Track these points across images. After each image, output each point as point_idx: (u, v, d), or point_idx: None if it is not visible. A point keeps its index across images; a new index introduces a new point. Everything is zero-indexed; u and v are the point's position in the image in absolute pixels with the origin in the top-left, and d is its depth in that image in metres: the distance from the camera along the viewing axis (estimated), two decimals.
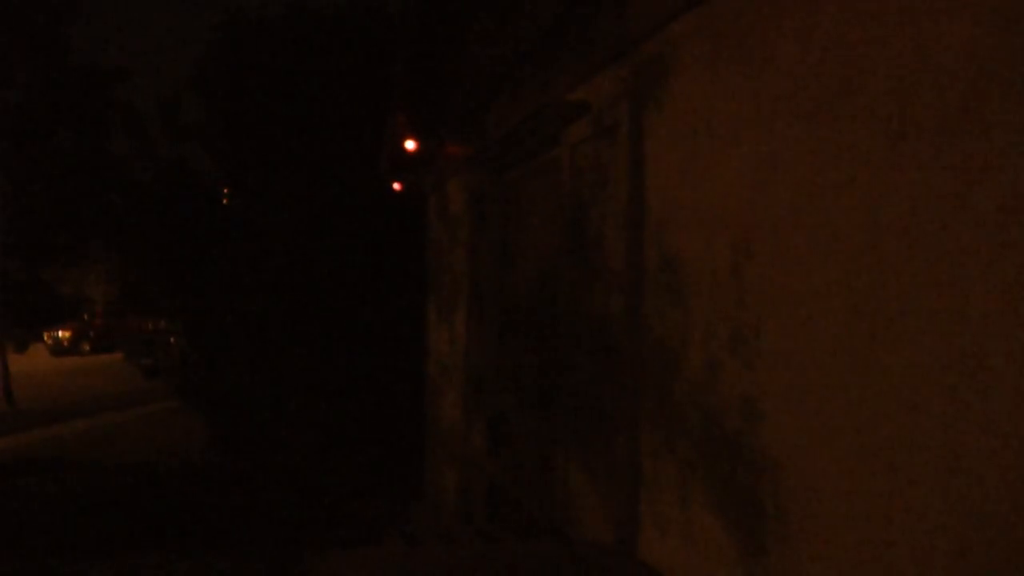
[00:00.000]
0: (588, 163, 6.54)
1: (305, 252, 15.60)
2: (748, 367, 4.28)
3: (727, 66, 4.58)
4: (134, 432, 21.74)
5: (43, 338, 46.30)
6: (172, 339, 27.04)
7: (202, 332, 17.67)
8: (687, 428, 4.87)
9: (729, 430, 4.42)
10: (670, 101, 5.24)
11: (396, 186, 12.60)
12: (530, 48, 7.83)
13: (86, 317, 48.97)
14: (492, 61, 9.07)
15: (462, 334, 10.42)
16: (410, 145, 10.81)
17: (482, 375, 9.67)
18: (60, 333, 46.84)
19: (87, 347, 47.12)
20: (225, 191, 18.78)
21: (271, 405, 15.75)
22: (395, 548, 7.97)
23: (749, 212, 4.30)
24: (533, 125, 7.22)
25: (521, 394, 8.34)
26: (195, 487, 15.12)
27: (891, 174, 3.31)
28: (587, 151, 6.58)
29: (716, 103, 4.70)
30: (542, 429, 7.63)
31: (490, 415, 9.12)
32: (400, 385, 14.62)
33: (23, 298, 26.02)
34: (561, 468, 6.92)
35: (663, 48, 5.29)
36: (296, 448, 15.33)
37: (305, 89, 16.00)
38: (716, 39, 4.69)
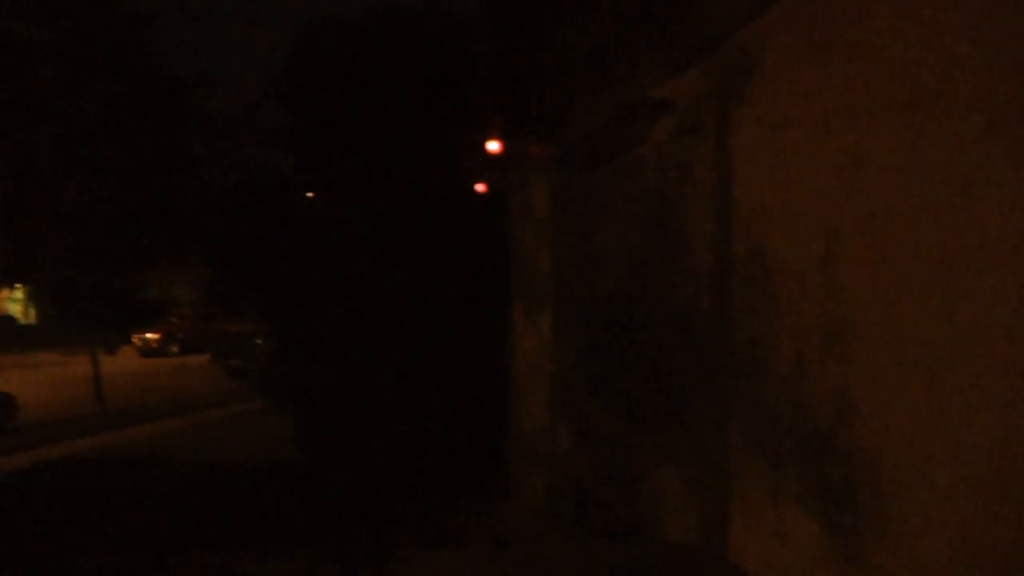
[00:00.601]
0: (673, 160, 6.50)
1: (388, 253, 15.69)
2: (841, 361, 4.21)
3: (818, 57, 4.52)
4: (220, 432, 22.01)
5: (132, 340, 47.28)
6: (258, 340, 27.38)
7: (288, 333, 17.85)
8: (777, 424, 4.81)
9: (822, 425, 4.36)
10: (758, 95, 5.19)
11: (480, 187, 12.63)
12: (613, 46, 7.80)
13: (174, 320, 49.83)
14: (575, 60, 9.05)
15: (547, 334, 10.41)
16: (493, 146, 10.81)
17: (568, 375, 9.65)
18: (149, 335, 47.71)
19: (175, 349, 47.94)
20: (308, 194, 18.98)
21: (357, 405, 15.86)
22: (483, 549, 7.99)
23: (841, 205, 4.24)
24: (617, 124, 7.19)
25: (608, 394, 8.31)
26: (280, 486, 15.27)
27: (988, 165, 3.24)
28: (672, 148, 6.54)
29: (806, 95, 4.63)
30: (629, 429, 7.60)
31: (576, 415, 9.10)
32: (483, 385, 14.64)
33: (113, 302, 26.53)
34: (649, 468, 6.88)
35: (751, 41, 5.24)
36: (382, 448, 15.41)
37: (386, 91, 16.11)
38: (806, 30, 4.63)
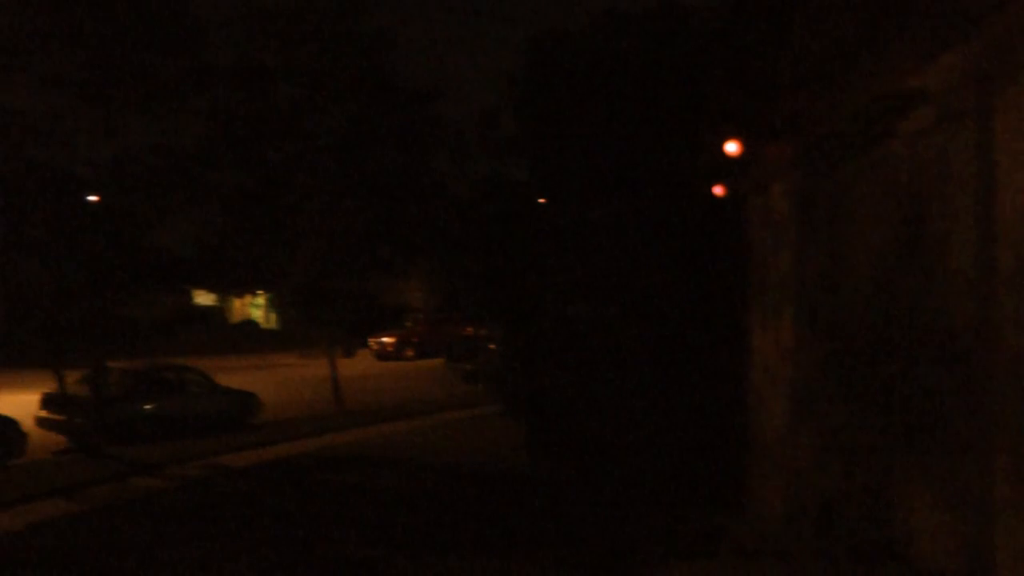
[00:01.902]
0: (927, 154, 6.03)
1: (620, 259, 15.48)
2: None
3: None
4: (451, 434, 22.25)
5: (369, 344, 48.56)
6: (491, 345, 27.61)
7: (521, 338, 17.88)
8: None
9: None
10: None
11: (717, 190, 12.27)
12: (859, 36, 7.34)
13: (409, 324, 50.95)
14: (816, 55, 8.61)
15: (787, 340, 9.98)
16: (731, 147, 10.47)
17: (810, 383, 9.19)
18: (385, 339, 48.97)
19: (410, 353, 49.02)
20: (541, 201, 18.97)
21: (590, 410, 15.72)
22: (731, 562, 7.67)
23: None
24: (863, 118, 6.75)
25: (855, 405, 7.83)
26: (512, 490, 15.27)
27: None
28: (926, 141, 6.07)
29: None
30: (880, 444, 7.11)
31: (819, 425, 8.64)
32: (714, 390, 14.28)
33: (351, 307, 27.23)
34: (902, 487, 6.42)
35: (1018, 19, 4.76)
36: (614, 453, 15.23)
37: (618, 96, 15.91)
38: None
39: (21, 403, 21.54)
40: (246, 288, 58.67)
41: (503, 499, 14.75)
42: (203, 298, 70.22)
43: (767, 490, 11.02)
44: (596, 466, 15.40)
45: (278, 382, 34.10)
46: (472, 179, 21.73)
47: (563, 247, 16.74)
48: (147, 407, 21.35)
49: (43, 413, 20.77)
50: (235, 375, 29.69)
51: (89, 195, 19.90)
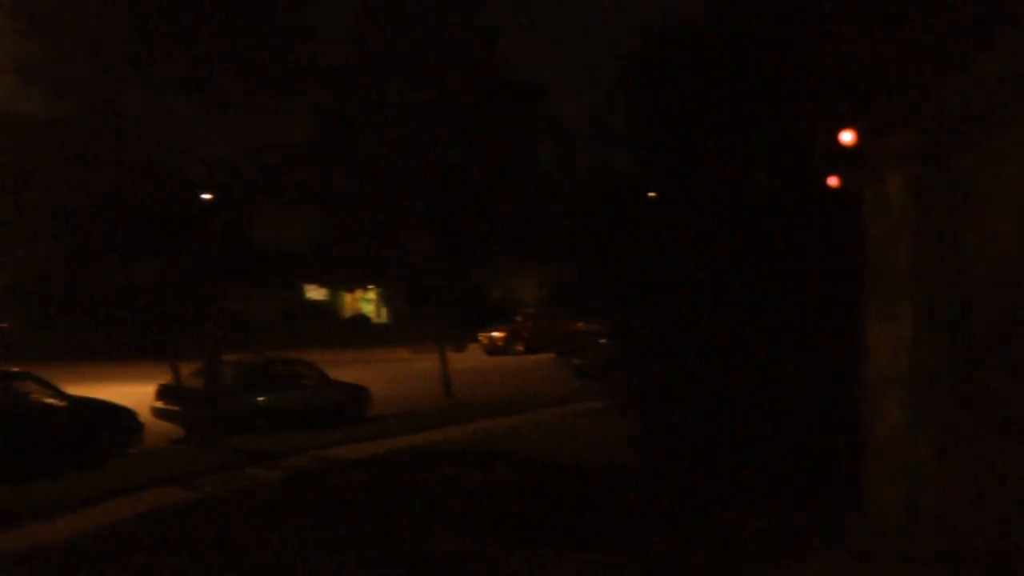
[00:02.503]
0: None
1: (731, 251, 15.25)
2: None
3: None
4: (560, 429, 22.18)
5: (479, 338, 48.81)
6: (601, 340, 27.45)
7: (631, 333, 17.72)
8: None
9: None
10: None
11: (832, 181, 11.97)
12: (980, 21, 7.07)
13: (519, 319, 51.08)
14: (936, 38, 8.32)
15: (904, 337, 9.67)
16: (846, 137, 10.20)
17: (929, 382, 8.90)
18: (495, 334, 49.15)
19: (520, 347, 49.10)
20: (650, 195, 18.76)
21: (700, 406, 15.52)
22: (848, 565, 7.47)
23: None
24: (988, 102, 6.48)
25: (979, 406, 7.55)
26: (619, 486, 15.14)
27: None
28: None
29: None
30: (1007, 447, 6.84)
31: (938, 426, 8.36)
32: (829, 387, 13.98)
33: (460, 302, 27.38)
34: None
35: None
36: (724, 451, 15.01)
37: (729, 87, 15.66)
38: None
39: (138, 394, 22.13)
40: (357, 283, 59.36)
41: (610, 495, 14.63)
42: (315, 293, 71.40)
43: (883, 491, 10.71)
44: (706, 463, 15.19)
45: (389, 376, 34.41)
46: (580, 173, 21.63)
47: (673, 241, 16.53)
48: (260, 399, 21.75)
49: (159, 404, 21.33)
50: (346, 369, 30.06)
51: (201, 193, 20.27)
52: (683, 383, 16.00)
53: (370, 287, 66.73)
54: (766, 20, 16.06)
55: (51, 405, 17.70)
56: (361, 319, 75.55)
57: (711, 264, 15.77)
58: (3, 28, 19.80)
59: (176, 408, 20.46)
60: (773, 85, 15.20)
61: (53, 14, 18.72)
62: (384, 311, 75.31)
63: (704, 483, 14.52)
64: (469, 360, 35.67)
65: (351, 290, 75.09)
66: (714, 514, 12.93)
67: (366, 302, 78.80)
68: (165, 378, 20.97)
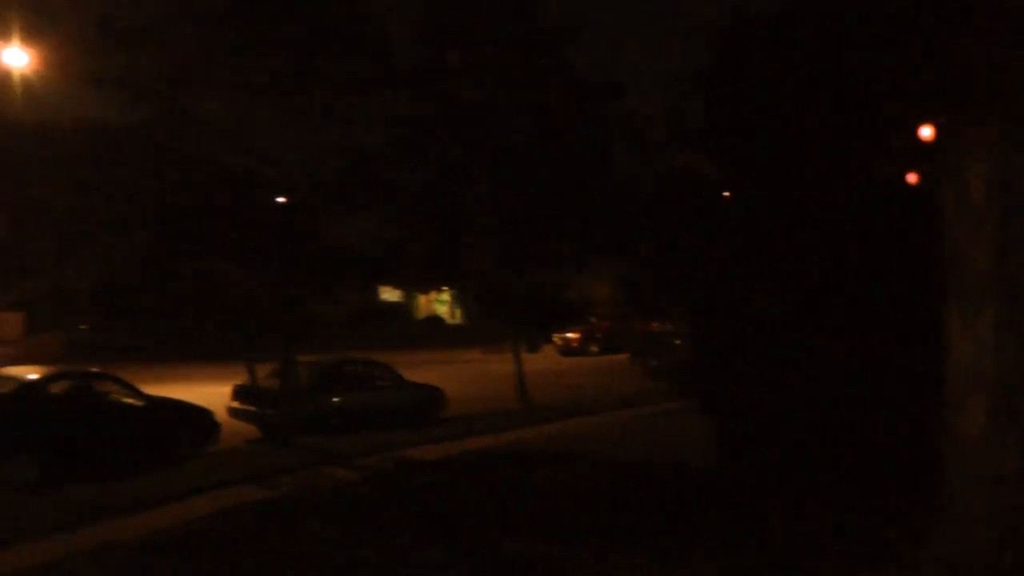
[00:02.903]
0: None
1: (810, 251, 15.02)
2: None
3: None
4: (636, 431, 22.03)
5: (553, 339, 48.64)
6: (677, 341, 27.24)
7: (709, 334, 17.52)
8: None
9: None
10: None
11: (911, 177, 11.76)
12: None
13: (594, 320, 50.86)
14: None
15: (988, 337, 9.42)
16: (926, 132, 9.99)
17: (1016, 385, 8.65)
18: (569, 334, 49.10)
19: (594, 348, 49.03)
20: (726, 195, 18.54)
21: (781, 408, 15.30)
22: (933, 573, 7.27)
23: None
24: None
25: None
26: (697, 489, 14.98)
27: None
28: None
29: None
30: None
31: None
32: (911, 390, 13.73)
33: (536, 302, 27.28)
34: None
35: None
36: (806, 454, 14.79)
37: (809, 85, 15.41)
38: None
39: (214, 394, 22.38)
40: (430, 285, 59.68)
41: (690, 498, 14.50)
42: (389, 294, 71.96)
43: (968, 497, 10.45)
44: (788, 466, 14.98)
45: (463, 377, 34.53)
46: (656, 173, 21.46)
47: (751, 241, 16.34)
48: (335, 400, 21.91)
49: (235, 404, 21.60)
50: (420, 370, 30.20)
51: (277, 196, 20.44)
52: (764, 384, 15.80)
53: (444, 288, 67.08)
54: (847, 14, 15.81)
55: (129, 405, 18.02)
56: (435, 320, 76.05)
57: (792, 265, 15.57)
58: (86, 41, 20.21)
59: (252, 408, 20.67)
60: (851, 81, 14.95)
61: (135, 26, 18.98)
62: (458, 312, 75.69)
63: (785, 487, 14.32)
64: (543, 361, 35.62)
65: (425, 291, 75.58)
66: (795, 520, 12.74)
67: (440, 303, 79.28)
68: (241, 378, 21.20)
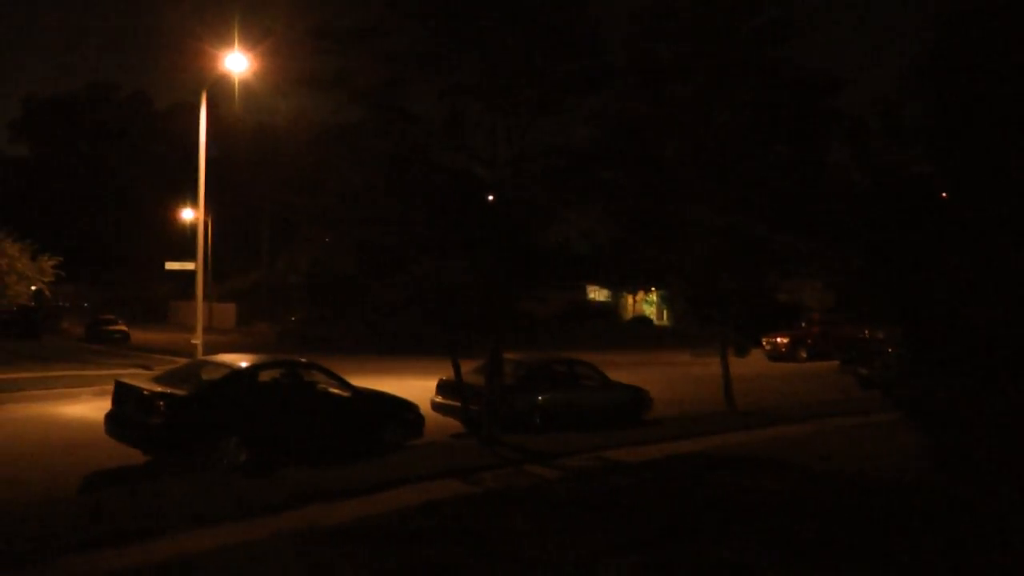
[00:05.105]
0: None
1: None
2: None
3: None
4: (845, 441, 21.23)
5: (762, 344, 47.70)
6: (890, 349, 26.24)
7: (927, 342, 16.79)
8: None
9: None
10: None
11: None
12: None
13: (804, 325, 49.66)
14: None
15: None
16: None
17: None
18: (778, 339, 48.03)
19: (803, 354, 47.73)
20: (944, 195, 17.77)
21: (1003, 421, 14.55)
22: None
23: None
24: None
25: None
26: (910, 504, 14.40)
27: None
28: None
29: None
30: None
31: None
32: None
33: (745, 305, 26.72)
34: None
35: None
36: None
37: None
38: None
39: (419, 388, 22.84)
40: (639, 285, 59.52)
41: (903, 514, 13.95)
42: (597, 294, 72.17)
43: None
44: (1011, 488, 14.27)
45: (669, 379, 34.26)
46: (871, 173, 20.71)
47: (973, 245, 15.61)
48: (540, 399, 21.97)
49: (439, 399, 22.01)
50: (626, 370, 30.13)
51: (488, 195, 20.61)
52: (983, 397, 15.08)
53: (652, 289, 66.80)
54: None
55: (336, 395, 18.53)
56: (643, 321, 75.78)
57: (1010, 273, 14.83)
58: (302, 45, 20.88)
59: (456, 403, 20.91)
60: None
61: (351, 28, 19.44)
62: (666, 313, 75.26)
63: (1007, 510, 13.64)
64: (751, 365, 34.95)
65: (633, 292, 75.43)
66: (1012, 542, 12.14)
67: (648, 304, 79.00)
68: (446, 373, 21.48)
